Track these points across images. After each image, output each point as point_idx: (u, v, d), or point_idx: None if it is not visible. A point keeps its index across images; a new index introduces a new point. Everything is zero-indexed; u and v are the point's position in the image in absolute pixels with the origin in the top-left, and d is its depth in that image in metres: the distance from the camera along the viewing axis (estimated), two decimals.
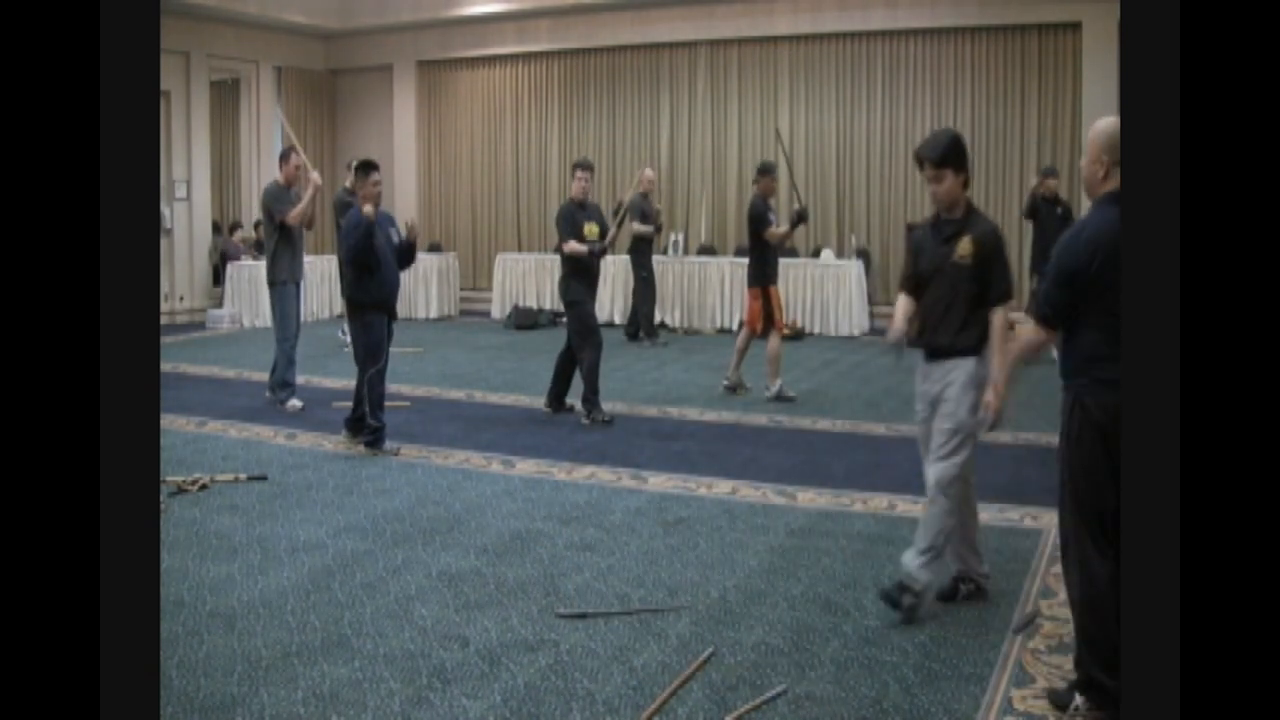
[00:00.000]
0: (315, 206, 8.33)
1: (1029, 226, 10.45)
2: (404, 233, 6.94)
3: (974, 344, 3.99)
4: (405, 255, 6.86)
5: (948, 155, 3.99)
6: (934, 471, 4.02)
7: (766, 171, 8.43)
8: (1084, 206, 11.97)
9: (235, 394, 8.77)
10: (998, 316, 3.98)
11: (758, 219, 8.23)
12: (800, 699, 3.39)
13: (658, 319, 12.00)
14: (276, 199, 8.13)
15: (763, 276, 8.28)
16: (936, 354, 4.07)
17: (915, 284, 4.16)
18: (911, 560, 3.98)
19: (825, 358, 10.52)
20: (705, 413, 7.91)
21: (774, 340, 8.30)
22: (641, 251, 11.67)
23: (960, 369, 3.99)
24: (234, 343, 12.03)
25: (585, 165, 7.97)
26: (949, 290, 4.01)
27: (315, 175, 8.23)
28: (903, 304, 4.23)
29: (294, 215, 8.07)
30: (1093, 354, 3.24)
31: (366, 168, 6.81)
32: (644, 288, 11.71)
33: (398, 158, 15.58)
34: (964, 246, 3.97)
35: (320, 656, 3.70)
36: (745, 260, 12.76)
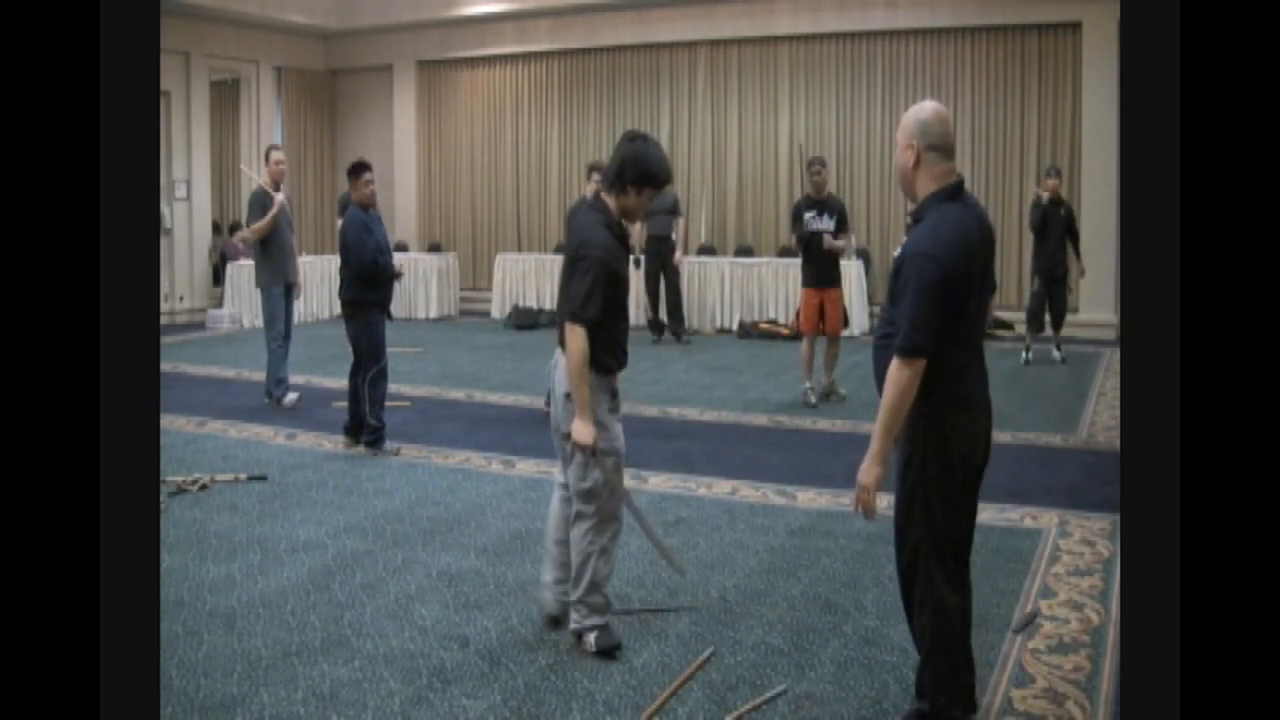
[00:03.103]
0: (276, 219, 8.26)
1: (1024, 229, 10.41)
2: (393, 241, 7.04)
3: None
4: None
5: None
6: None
7: (809, 166, 8.26)
8: (1083, 206, 11.95)
9: (235, 394, 8.77)
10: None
11: (791, 217, 8.16)
12: (800, 699, 3.39)
13: (658, 318, 11.98)
14: (258, 205, 8.18)
15: (803, 278, 8.24)
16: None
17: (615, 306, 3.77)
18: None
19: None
20: (705, 413, 7.92)
21: (803, 343, 8.32)
22: (662, 253, 11.64)
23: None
24: (234, 343, 12.03)
25: (599, 168, 7.92)
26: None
27: (280, 195, 8.21)
28: (589, 376, 3.67)
29: (255, 230, 8.14)
30: (948, 368, 2.91)
31: (358, 169, 6.80)
32: (672, 289, 11.74)
33: (398, 158, 15.58)
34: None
35: (320, 656, 3.70)
36: (745, 260, 12.89)
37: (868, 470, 2.94)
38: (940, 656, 3.01)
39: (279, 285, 8.22)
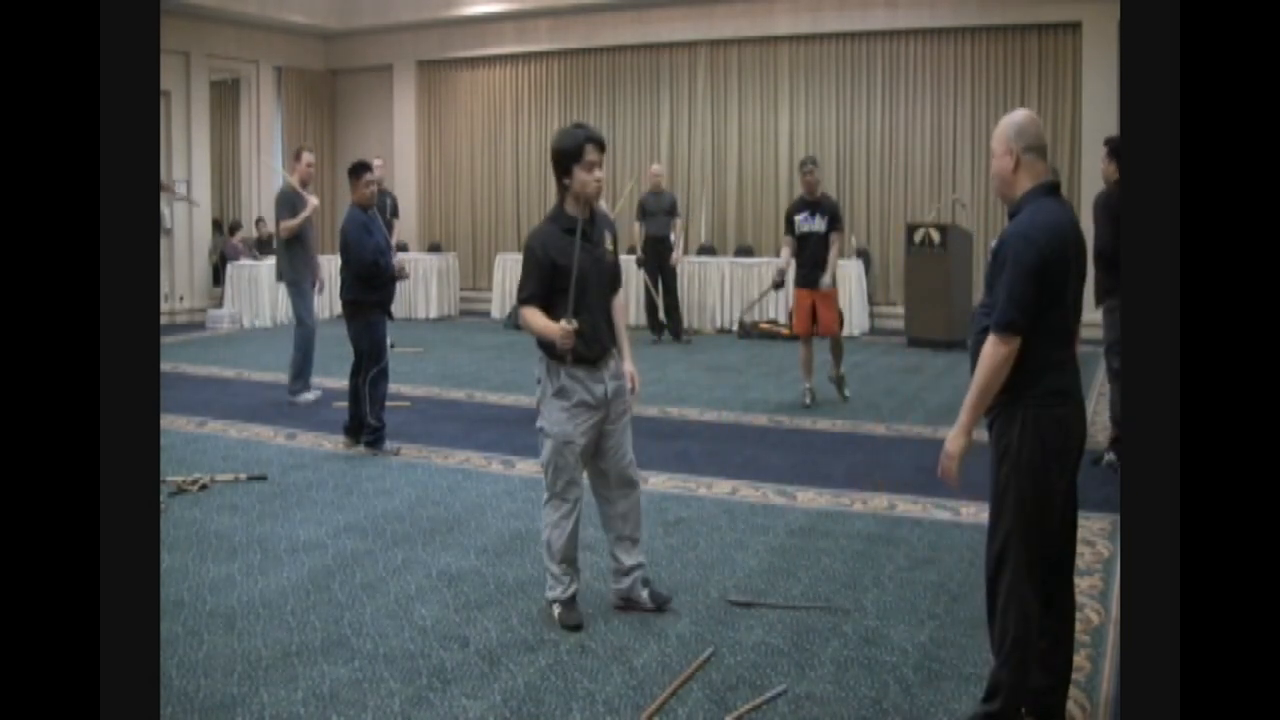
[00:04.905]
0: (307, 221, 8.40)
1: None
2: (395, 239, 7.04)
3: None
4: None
5: None
6: (634, 469, 4.15)
7: (800, 165, 8.18)
8: (1083, 206, 11.96)
9: (235, 394, 8.77)
10: (620, 301, 4.18)
11: (785, 222, 8.15)
12: (800, 699, 3.39)
13: (658, 318, 11.97)
14: (286, 204, 8.33)
15: (795, 278, 8.18)
16: (602, 355, 4.00)
17: (551, 292, 3.93)
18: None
19: (824, 358, 10.51)
20: (705, 413, 7.92)
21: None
22: (659, 253, 11.64)
23: (618, 359, 4.11)
24: (234, 343, 12.03)
25: None
26: (601, 289, 4.03)
27: (314, 199, 8.40)
28: (542, 320, 3.92)
29: (286, 228, 8.31)
30: (1044, 362, 2.94)
31: (359, 169, 6.82)
32: (669, 290, 11.76)
33: (398, 158, 15.56)
34: (609, 243, 4.13)
35: (320, 656, 3.70)
36: (745, 260, 12.88)
37: (954, 439, 3.01)
38: (1018, 659, 3.00)
39: (307, 281, 8.36)
